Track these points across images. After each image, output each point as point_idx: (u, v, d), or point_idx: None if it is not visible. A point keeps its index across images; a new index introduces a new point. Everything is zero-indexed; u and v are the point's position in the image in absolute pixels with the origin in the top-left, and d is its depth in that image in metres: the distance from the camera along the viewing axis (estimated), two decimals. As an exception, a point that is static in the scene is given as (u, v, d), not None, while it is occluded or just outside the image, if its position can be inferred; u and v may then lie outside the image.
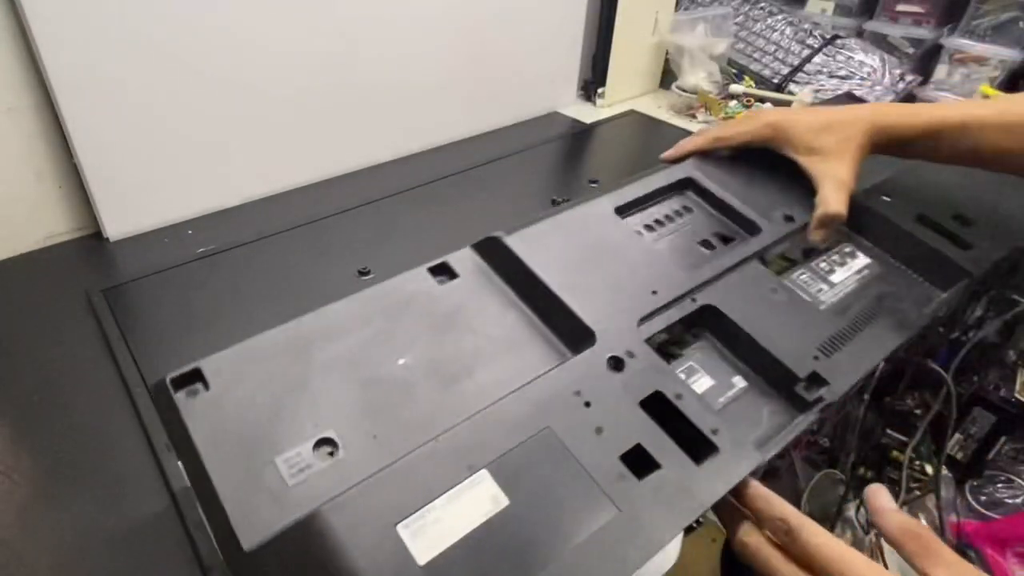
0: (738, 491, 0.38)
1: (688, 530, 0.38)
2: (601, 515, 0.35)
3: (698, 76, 1.20)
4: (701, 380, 0.47)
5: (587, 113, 1.22)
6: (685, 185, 0.63)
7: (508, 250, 0.49)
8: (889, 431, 1.19)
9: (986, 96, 1.04)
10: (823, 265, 0.60)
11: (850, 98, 1.01)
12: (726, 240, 0.59)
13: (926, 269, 0.59)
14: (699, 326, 0.51)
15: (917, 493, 1.21)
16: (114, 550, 0.45)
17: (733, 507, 0.39)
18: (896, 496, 1.14)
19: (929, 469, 1.23)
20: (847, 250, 0.62)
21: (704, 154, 0.65)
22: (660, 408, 0.42)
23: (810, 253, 0.61)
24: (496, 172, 0.99)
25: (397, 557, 0.32)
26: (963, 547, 1.08)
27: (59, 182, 0.76)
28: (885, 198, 0.64)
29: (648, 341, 0.46)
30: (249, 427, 0.38)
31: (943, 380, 0.82)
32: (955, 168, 0.66)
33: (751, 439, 0.43)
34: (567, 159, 1.08)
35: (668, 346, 0.50)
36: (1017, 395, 1.18)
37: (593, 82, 1.24)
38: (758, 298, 0.51)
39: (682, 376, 0.46)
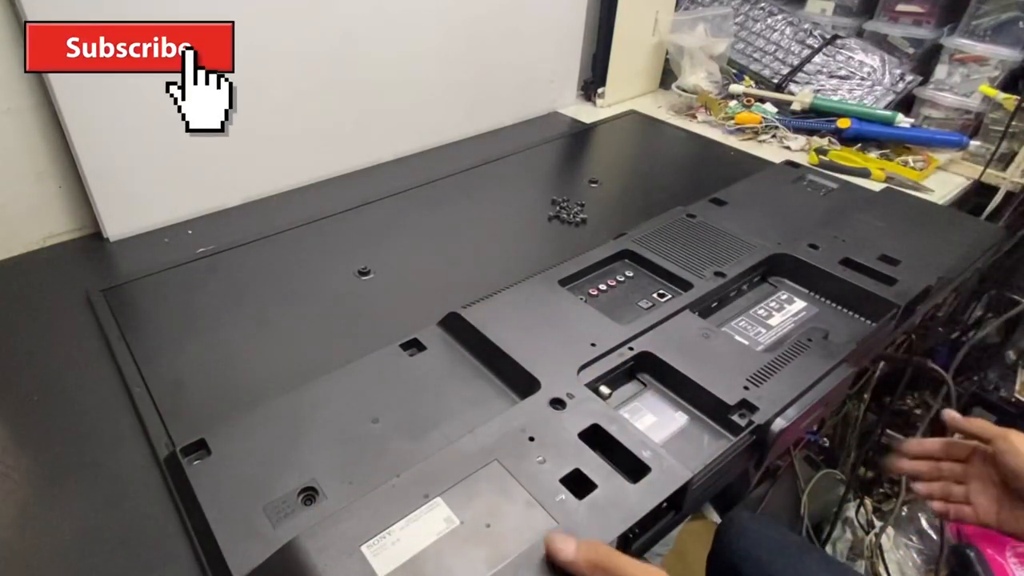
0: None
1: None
2: (541, 528, 0.41)
3: (698, 76, 1.20)
4: (645, 417, 0.54)
5: (587, 113, 1.22)
6: (624, 256, 0.71)
7: (466, 322, 0.58)
8: (889, 431, 1.19)
9: (986, 96, 1.04)
10: (761, 312, 0.67)
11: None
12: (662, 297, 0.66)
13: (856, 306, 0.66)
14: (642, 371, 0.58)
15: (917, 493, 1.21)
16: (114, 550, 0.45)
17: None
18: (896, 496, 1.14)
19: (929, 469, 1.23)
20: (783, 297, 0.69)
21: (639, 229, 0.73)
22: (601, 439, 0.48)
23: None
24: (496, 172, 0.99)
25: (362, 572, 0.38)
26: (963, 547, 1.08)
27: (59, 182, 0.76)
28: (812, 249, 0.71)
29: (589, 385, 0.53)
30: (244, 483, 0.46)
31: (943, 380, 0.83)
32: (875, 216, 0.77)
33: (687, 460, 0.47)
34: (567, 159, 1.08)
35: (614, 390, 0.57)
36: (1017, 395, 1.18)
37: (593, 82, 1.24)
38: (691, 342, 0.58)
39: (625, 415, 0.52)
